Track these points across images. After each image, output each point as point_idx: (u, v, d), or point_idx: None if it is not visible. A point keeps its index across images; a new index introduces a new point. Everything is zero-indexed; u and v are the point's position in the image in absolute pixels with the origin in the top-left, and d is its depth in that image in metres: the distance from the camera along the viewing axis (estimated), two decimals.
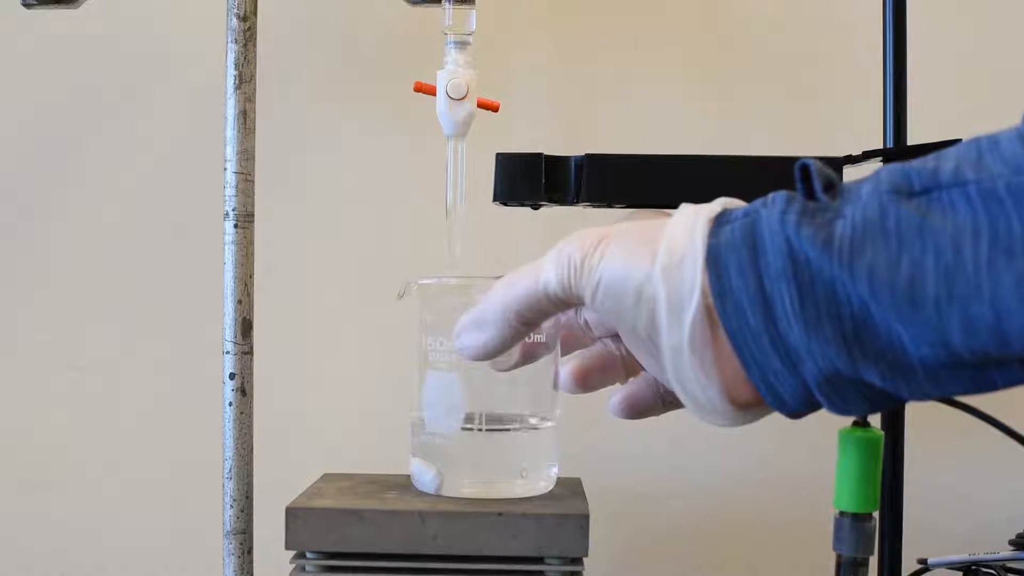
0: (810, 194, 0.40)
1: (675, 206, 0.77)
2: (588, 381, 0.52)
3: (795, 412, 0.41)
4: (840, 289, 0.38)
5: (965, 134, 0.93)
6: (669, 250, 0.41)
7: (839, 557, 0.58)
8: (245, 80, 0.90)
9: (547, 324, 0.87)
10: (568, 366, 0.53)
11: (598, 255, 0.42)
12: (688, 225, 0.41)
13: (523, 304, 0.45)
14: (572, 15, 1.19)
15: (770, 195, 0.41)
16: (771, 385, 0.40)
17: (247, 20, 0.90)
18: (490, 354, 0.47)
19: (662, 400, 0.50)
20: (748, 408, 0.42)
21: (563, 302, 0.44)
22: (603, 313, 0.43)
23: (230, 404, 0.89)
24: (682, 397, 0.43)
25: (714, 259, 0.40)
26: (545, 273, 0.44)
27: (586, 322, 0.53)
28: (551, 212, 0.88)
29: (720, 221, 0.41)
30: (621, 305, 0.42)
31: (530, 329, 0.47)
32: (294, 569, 0.81)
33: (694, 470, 1.18)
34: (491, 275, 0.87)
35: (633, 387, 0.51)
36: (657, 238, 0.41)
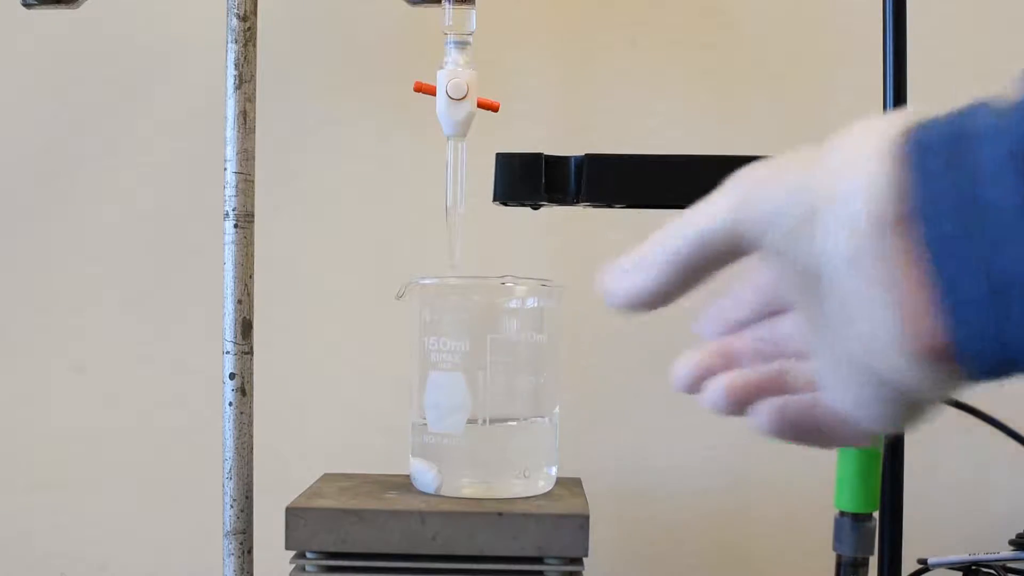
0: None
1: (675, 206, 0.77)
2: (744, 398, 0.45)
3: (981, 365, 0.33)
4: None
5: None
6: (842, 162, 0.34)
7: (839, 557, 0.58)
8: (245, 80, 0.90)
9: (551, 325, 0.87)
10: (722, 378, 0.45)
11: (772, 181, 0.37)
12: (866, 137, 0.35)
13: (693, 245, 0.39)
14: (572, 15, 1.19)
15: (965, 105, 0.34)
16: (964, 318, 0.32)
17: (247, 20, 0.90)
18: (641, 301, 0.41)
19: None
20: (928, 358, 0.34)
21: (734, 243, 0.38)
22: (775, 249, 0.37)
23: (230, 404, 0.89)
24: (847, 346, 0.36)
25: (914, 150, 0.33)
26: (717, 208, 0.38)
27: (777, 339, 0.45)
28: (551, 212, 0.88)
29: (907, 133, 0.34)
30: (794, 232, 0.35)
31: (694, 282, 0.40)
32: (294, 569, 0.81)
33: (694, 470, 1.18)
34: (491, 275, 0.87)
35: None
36: (830, 156, 0.35)
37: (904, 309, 0.33)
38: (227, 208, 0.89)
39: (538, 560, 0.79)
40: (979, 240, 0.31)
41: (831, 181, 0.34)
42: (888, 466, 0.82)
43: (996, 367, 0.33)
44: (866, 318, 0.34)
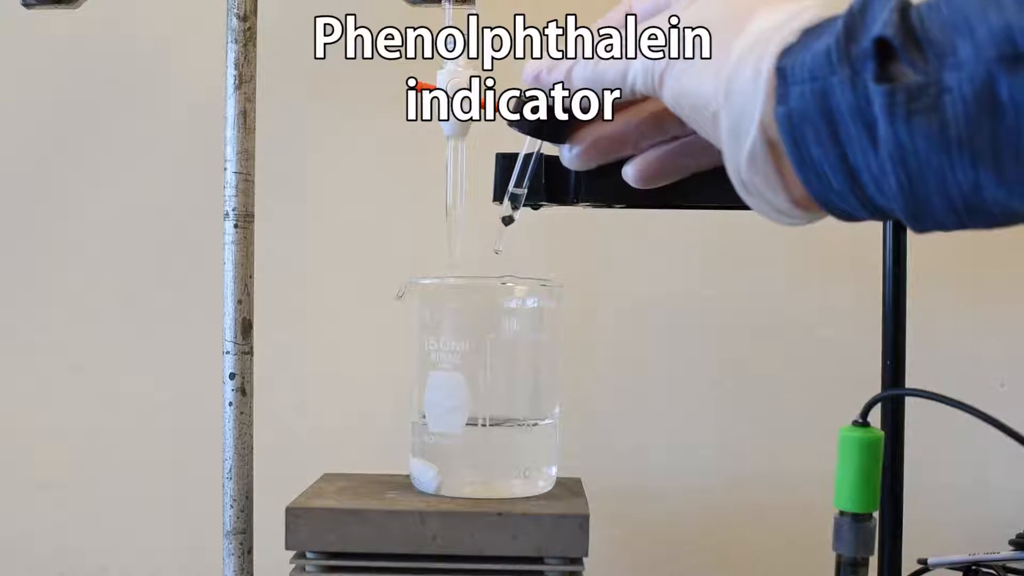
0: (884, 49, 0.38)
1: (675, 206, 0.77)
2: (656, 178, 0.54)
3: (840, 214, 0.43)
4: (950, 174, 0.37)
5: None
6: (729, 79, 0.42)
7: (839, 557, 0.58)
8: (245, 80, 0.90)
9: (548, 324, 0.87)
10: (633, 166, 0.54)
11: (675, 71, 0.44)
12: (759, 55, 0.41)
13: (612, 85, 0.48)
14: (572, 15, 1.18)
15: (831, 41, 0.39)
16: (856, 220, 0.42)
17: (247, 20, 0.90)
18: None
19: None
20: (805, 209, 0.43)
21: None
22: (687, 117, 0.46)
23: (230, 404, 0.89)
24: (748, 200, 0.44)
25: (787, 127, 0.40)
26: (632, 72, 0.47)
27: None
28: (551, 212, 0.88)
29: (785, 76, 0.40)
30: (697, 117, 0.44)
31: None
32: (294, 569, 0.81)
33: (693, 470, 1.18)
34: (491, 275, 0.87)
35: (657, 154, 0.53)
36: (728, 57, 0.42)
37: (792, 198, 0.43)
38: (227, 208, 0.89)
39: (538, 560, 0.79)
40: (860, 191, 0.40)
41: (731, 92, 0.42)
42: (888, 466, 0.82)
43: (850, 216, 0.42)
44: (761, 191, 0.43)
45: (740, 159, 0.42)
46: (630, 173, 0.54)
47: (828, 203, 0.41)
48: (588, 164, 0.55)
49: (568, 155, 0.55)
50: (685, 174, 0.54)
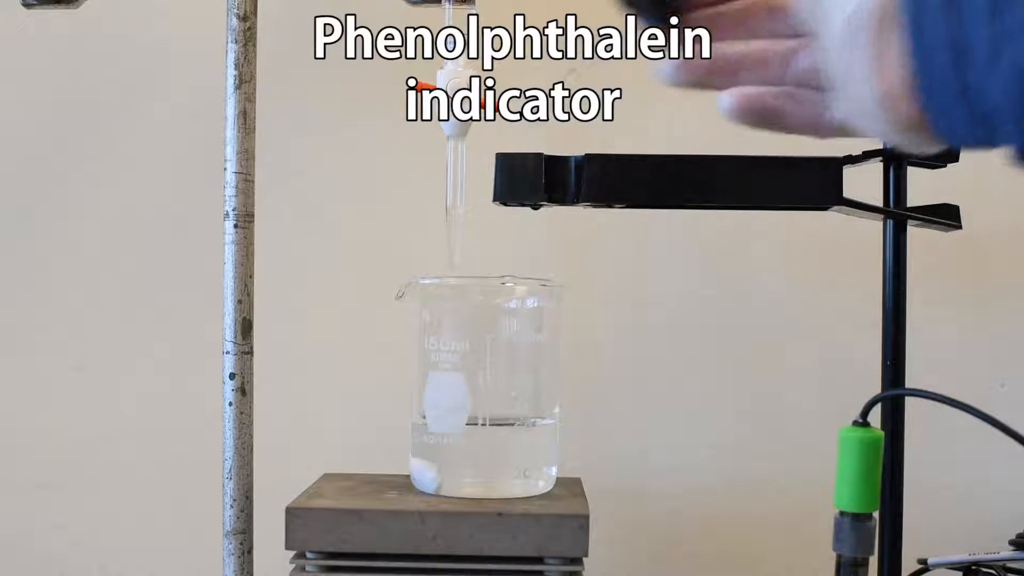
0: None
1: (675, 206, 0.77)
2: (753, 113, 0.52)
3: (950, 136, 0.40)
4: None
5: None
6: None
7: (839, 557, 0.58)
8: (245, 80, 0.90)
9: (549, 324, 0.87)
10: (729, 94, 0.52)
11: None
12: None
13: None
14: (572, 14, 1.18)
15: None
16: (960, 140, 0.38)
17: (247, 20, 0.90)
18: None
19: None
20: (900, 111, 0.40)
21: None
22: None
23: (230, 404, 0.89)
24: (824, 97, 0.43)
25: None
26: None
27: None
28: (551, 212, 0.88)
29: None
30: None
31: None
32: (294, 569, 0.81)
33: (693, 470, 1.18)
34: (491, 275, 0.87)
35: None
36: None
37: (880, 75, 0.39)
38: (227, 208, 0.89)
39: (538, 560, 0.79)
40: (950, 23, 0.36)
41: None
42: (888, 466, 0.82)
43: (936, 122, 0.38)
44: (850, 75, 0.40)
45: (840, 26, 0.40)
46: (725, 103, 0.53)
47: (927, 88, 0.38)
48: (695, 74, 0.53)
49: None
50: (776, 124, 0.52)
